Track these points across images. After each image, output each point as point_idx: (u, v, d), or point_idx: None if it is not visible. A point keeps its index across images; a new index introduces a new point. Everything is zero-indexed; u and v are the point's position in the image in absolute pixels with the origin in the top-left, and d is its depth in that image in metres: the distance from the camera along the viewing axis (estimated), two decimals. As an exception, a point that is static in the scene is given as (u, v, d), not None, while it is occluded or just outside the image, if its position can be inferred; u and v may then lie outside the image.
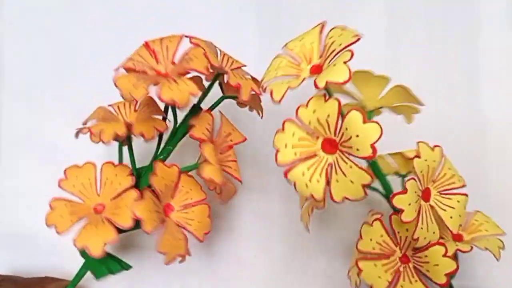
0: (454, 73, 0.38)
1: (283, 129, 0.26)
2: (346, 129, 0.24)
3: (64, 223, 0.28)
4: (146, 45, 0.31)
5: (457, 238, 0.30)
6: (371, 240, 0.28)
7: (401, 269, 0.28)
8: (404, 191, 0.26)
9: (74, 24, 0.41)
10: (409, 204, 0.26)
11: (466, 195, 0.29)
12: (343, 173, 0.24)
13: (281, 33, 0.39)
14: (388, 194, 0.29)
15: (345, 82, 0.23)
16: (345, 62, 0.24)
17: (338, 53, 0.25)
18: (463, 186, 0.29)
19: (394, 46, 0.39)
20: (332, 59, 0.25)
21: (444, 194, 0.28)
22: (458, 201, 0.28)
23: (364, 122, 0.23)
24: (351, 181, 0.24)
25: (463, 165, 0.36)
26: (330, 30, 0.27)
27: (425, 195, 0.27)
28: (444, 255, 0.27)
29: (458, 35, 0.39)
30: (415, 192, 0.27)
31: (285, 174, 0.25)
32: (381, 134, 0.23)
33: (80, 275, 0.32)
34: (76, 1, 0.41)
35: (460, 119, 0.38)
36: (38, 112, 0.40)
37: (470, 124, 0.37)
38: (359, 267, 0.28)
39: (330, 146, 0.25)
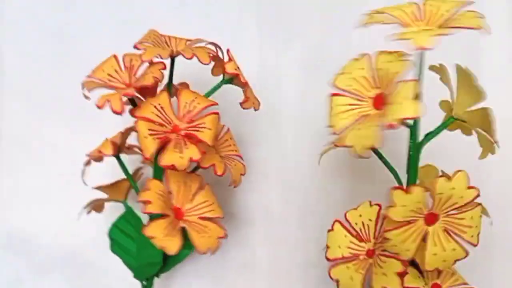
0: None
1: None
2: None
3: None
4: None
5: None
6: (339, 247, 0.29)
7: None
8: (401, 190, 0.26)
9: (74, 24, 0.41)
10: (403, 207, 0.26)
11: (466, 253, 0.27)
12: None
13: (280, 35, 0.40)
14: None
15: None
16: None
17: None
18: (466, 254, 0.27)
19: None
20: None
21: (448, 233, 0.27)
22: (454, 249, 0.27)
23: None
24: None
25: (463, 165, 0.36)
26: None
27: (430, 218, 0.26)
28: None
29: (459, 35, 0.39)
30: (404, 205, 0.26)
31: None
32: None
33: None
34: (76, 1, 0.41)
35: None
36: (38, 112, 0.40)
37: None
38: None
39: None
